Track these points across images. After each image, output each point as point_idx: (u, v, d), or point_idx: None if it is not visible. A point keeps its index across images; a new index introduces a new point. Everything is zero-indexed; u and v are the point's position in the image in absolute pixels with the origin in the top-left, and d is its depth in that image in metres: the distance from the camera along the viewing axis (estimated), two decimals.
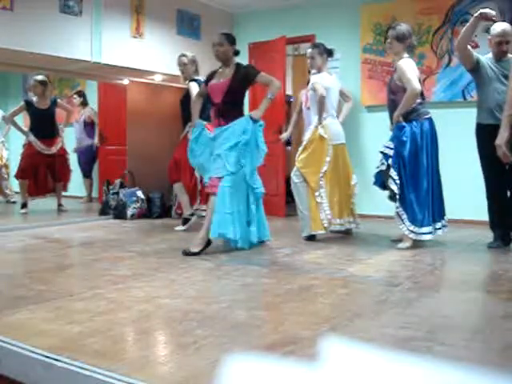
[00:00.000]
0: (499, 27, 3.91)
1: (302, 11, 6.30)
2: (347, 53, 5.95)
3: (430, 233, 3.96)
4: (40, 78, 6.14)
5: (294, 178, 4.44)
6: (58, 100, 6.51)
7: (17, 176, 6.21)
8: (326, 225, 4.37)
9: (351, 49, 5.95)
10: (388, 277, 3.10)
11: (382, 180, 4.10)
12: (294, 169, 4.47)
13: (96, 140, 7.43)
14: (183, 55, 5.03)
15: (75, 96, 7.63)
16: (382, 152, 4.02)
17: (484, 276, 3.34)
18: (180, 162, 4.98)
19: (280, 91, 4.72)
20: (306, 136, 4.55)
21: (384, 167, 3.99)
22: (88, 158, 7.51)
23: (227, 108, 3.92)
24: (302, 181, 4.40)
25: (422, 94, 4.05)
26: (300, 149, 4.51)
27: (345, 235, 4.65)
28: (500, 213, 3.99)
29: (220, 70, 4.08)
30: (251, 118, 3.87)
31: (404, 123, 3.92)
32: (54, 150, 6.20)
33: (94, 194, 7.55)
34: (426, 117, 3.98)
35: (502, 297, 2.69)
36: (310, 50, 4.63)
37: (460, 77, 5.34)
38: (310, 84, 4.57)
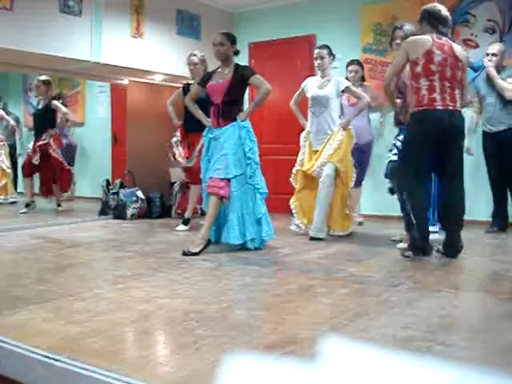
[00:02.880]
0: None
1: (301, 11, 6.30)
2: (347, 53, 5.93)
3: (435, 232, 3.96)
4: (43, 77, 6.15)
5: (331, 175, 4.36)
6: (53, 101, 6.32)
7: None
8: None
9: (351, 49, 5.95)
10: (388, 277, 3.09)
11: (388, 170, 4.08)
12: (332, 167, 4.37)
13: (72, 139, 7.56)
14: (193, 54, 4.98)
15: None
16: (394, 144, 3.96)
17: (484, 276, 3.33)
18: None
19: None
20: (335, 136, 4.46)
21: (395, 157, 3.94)
22: (68, 158, 7.46)
23: (227, 108, 3.93)
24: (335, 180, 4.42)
25: None
26: (333, 147, 4.39)
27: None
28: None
29: (218, 70, 4.08)
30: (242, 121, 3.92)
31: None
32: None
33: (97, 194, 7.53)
34: None
35: (502, 297, 2.69)
36: (318, 50, 4.60)
37: None
38: (342, 84, 4.55)
